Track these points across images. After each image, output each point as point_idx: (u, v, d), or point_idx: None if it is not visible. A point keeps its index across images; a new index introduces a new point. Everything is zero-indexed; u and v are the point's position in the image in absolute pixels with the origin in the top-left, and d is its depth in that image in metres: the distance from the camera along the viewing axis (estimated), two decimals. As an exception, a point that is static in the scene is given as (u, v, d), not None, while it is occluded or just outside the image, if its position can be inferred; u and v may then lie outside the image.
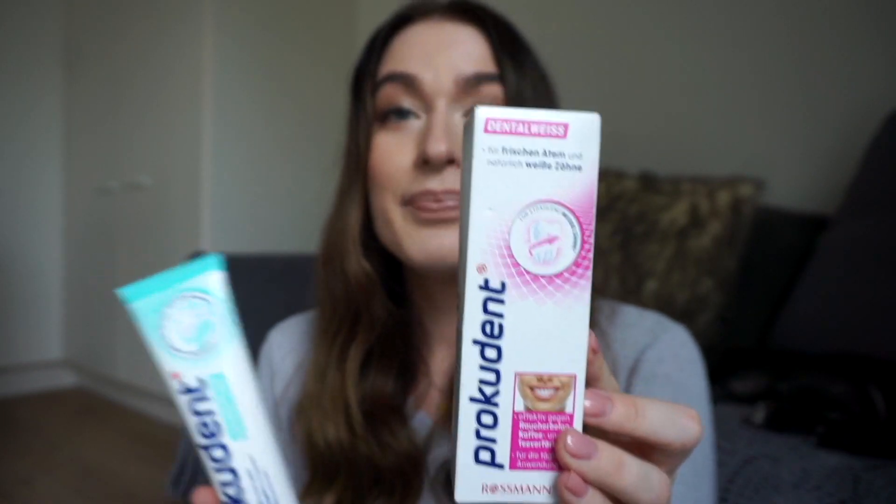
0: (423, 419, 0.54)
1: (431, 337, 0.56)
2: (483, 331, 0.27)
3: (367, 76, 0.53)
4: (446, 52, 0.48)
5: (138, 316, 0.32)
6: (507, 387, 0.27)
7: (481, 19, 0.50)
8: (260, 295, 1.61)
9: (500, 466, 0.27)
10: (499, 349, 0.27)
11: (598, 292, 0.51)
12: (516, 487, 0.27)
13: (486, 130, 0.26)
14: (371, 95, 0.52)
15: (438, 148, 0.45)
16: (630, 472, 0.26)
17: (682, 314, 1.30)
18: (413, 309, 0.56)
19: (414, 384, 0.55)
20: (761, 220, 1.37)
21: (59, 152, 3.14)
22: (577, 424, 0.27)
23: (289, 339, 0.61)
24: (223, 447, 0.32)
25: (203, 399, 0.32)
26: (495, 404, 0.27)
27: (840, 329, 1.09)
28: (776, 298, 1.29)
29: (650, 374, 0.50)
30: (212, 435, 0.32)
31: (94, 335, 2.94)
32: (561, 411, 0.27)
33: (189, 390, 0.32)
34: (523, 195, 0.26)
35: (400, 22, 0.53)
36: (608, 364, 0.52)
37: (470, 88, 0.48)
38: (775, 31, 1.64)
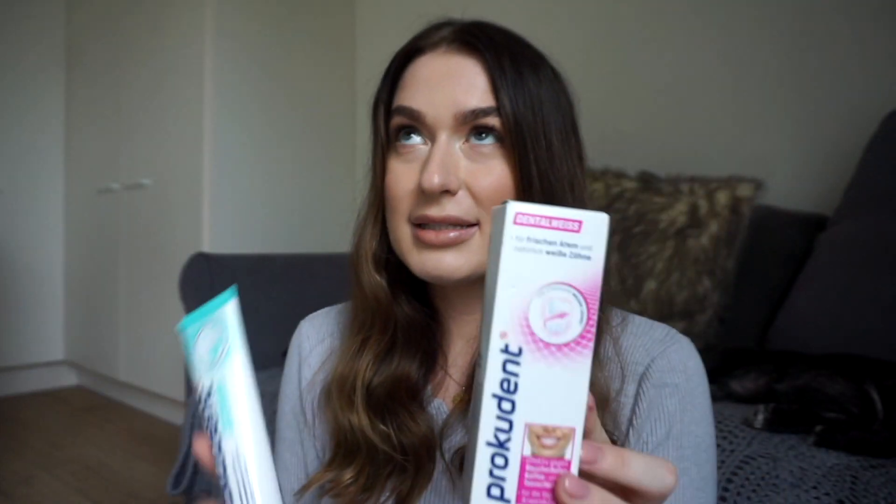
0: (439, 406, 0.58)
1: (450, 333, 0.61)
2: (501, 387, 0.32)
3: (380, 103, 0.57)
4: (447, 86, 0.53)
5: (184, 341, 0.41)
6: (517, 435, 0.32)
7: (481, 51, 0.53)
8: (260, 295, 1.62)
9: (508, 502, 0.32)
10: (513, 403, 0.32)
11: (607, 302, 0.55)
12: None
13: (514, 222, 0.32)
14: (384, 123, 0.57)
15: (431, 181, 0.50)
16: (632, 469, 0.32)
17: (680, 314, 1.30)
18: (433, 306, 0.61)
19: (433, 373, 0.60)
20: (760, 220, 1.37)
21: (61, 154, 3.15)
22: (574, 470, 0.32)
23: (318, 331, 0.66)
24: (217, 439, 0.39)
25: (207, 398, 0.40)
26: (507, 449, 0.32)
27: (838, 329, 1.10)
28: (775, 298, 1.30)
29: (661, 382, 0.54)
30: (212, 430, 0.40)
31: (96, 335, 2.94)
32: (561, 457, 0.32)
33: (205, 395, 0.40)
34: (542, 277, 0.32)
35: (411, 53, 0.56)
36: (618, 372, 0.54)
37: (468, 121, 0.52)
38: (775, 32, 1.64)
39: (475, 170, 0.52)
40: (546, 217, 0.32)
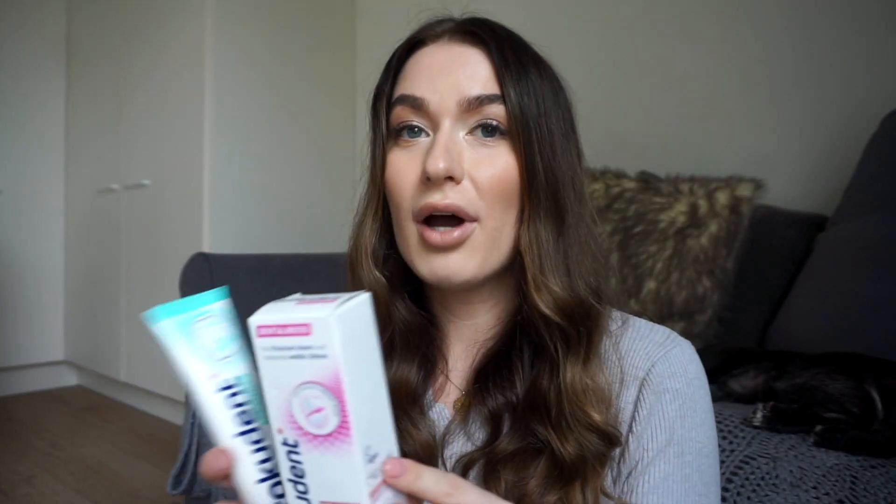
0: (441, 410, 0.57)
1: (448, 337, 0.60)
2: (292, 472, 0.36)
3: (382, 96, 0.56)
4: (451, 74, 0.52)
5: (165, 331, 0.40)
6: None
7: (486, 41, 0.52)
8: (260, 295, 1.62)
9: None
10: (305, 485, 0.36)
11: (605, 301, 0.54)
12: None
13: (258, 336, 0.35)
14: (385, 115, 0.55)
15: (436, 166, 0.49)
16: None
17: (680, 314, 1.30)
18: (431, 310, 0.60)
19: (432, 378, 0.59)
20: (760, 220, 1.37)
21: (61, 154, 3.15)
22: None
23: None
24: (260, 430, 0.40)
25: (238, 394, 0.40)
26: None
27: (838, 329, 1.10)
28: (775, 298, 1.30)
29: (661, 388, 0.53)
30: (250, 422, 0.40)
31: (96, 335, 2.94)
32: None
33: (226, 388, 0.40)
34: (293, 379, 0.35)
35: (413, 45, 0.56)
36: (618, 375, 0.53)
37: (472, 108, 0.51)
38: (775, 32, 1.64)
39: (479, 160, 0.51)
40: (280, 326, 0.35)
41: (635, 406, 0.53)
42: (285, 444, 0.36)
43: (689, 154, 1.70)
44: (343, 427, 0.35)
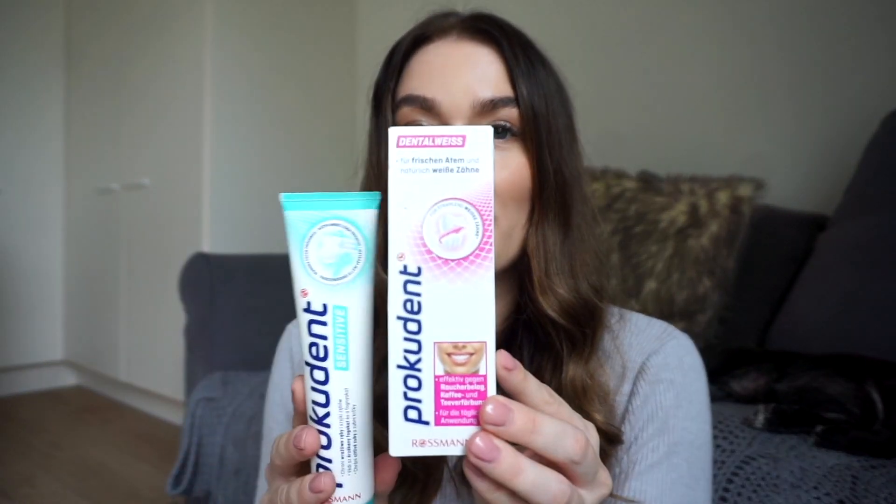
0: None
1: None
2: (405, 308, 0.32)
3: (386, 93, 0.54)
4: (463, 74, 0.51)
5: (289, 223, 0.36)
6: (427, 354, 0.32)
7: (496, 39, 0.52)
8: (260, 295, 1.62)
9: (427, 423, 0.32)
10: (419, 323, 0.32)
11: (605, 298, 0.54)
12: (442, 441, 0.32)
13: (398, 146, 0.32)
14: (391, 113, 0.54)
15: None
16: (542, 436, 0.31)
17: (681, 314, 1.30)
18: None
19: None
20: (761, 220, 1.37)
21: (61, 154, 3.15)
22: (491, 384, 0.32)
23: None
24: (325, 371, 0.35)
25: (321, 324, 0.36)
26: (418, 370, 0.32)
27: (838, 329, 1.10)
28: (775, 298, 1.29)
29: (655, 378, 0.53)
30: (319, 358, 0.35)
31: (96, 335, 2.94)
32: (476, 373, 0.31)
33: (311, 311, 0.36)
34: (431, 195, 0.32)
35: (418, 41, 0.54)
36: (619, 370, 0.53)
37: (486, 111, 0.50)
38: (775, 31, 1.64)
39: None
40: (429, 136, 0.32)
41: (630, 397, 0.53)
42: (405, 271, 0.32)
43: (689, 154, 1.70)
44: (482, 249, 0.32)
